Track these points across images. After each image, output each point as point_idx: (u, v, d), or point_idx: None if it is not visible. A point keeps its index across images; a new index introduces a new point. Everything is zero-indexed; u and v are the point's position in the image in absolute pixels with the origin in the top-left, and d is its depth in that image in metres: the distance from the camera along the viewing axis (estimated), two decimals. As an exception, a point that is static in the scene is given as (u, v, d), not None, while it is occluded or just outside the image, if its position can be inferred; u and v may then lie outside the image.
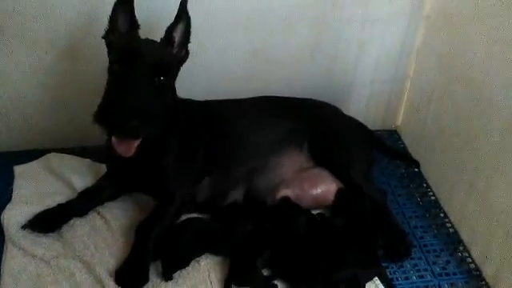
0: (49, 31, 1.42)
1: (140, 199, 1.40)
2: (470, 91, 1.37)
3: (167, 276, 1.19)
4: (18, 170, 1.48)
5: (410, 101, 1.75)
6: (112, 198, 1.40)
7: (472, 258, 1.33)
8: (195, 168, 1.34)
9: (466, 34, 1.38)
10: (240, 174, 1.36)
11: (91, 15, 1.40)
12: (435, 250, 1.35)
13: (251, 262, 1.21)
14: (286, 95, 1.54)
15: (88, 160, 1.53)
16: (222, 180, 1.35)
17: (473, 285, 1.26)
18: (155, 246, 1.22)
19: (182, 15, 1.23)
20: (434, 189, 1.55)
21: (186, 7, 1.23)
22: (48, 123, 1.59)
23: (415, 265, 1.30)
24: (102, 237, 1.29)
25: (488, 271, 1.28)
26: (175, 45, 1.24)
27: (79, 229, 1.31)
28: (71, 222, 1.32)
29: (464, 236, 1.39)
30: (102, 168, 1.44)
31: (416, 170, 1.62)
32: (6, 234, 1.27)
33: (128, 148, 1.13)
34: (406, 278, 1.26)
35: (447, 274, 1.28)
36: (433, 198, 1.53)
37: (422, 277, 1.27)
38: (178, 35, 1.24)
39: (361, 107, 1.76)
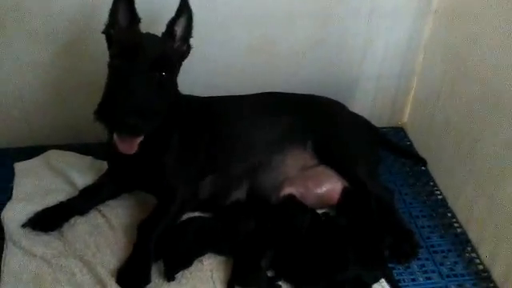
0: (48, 26, 1.40)
1: (142, 197, 1.38)
2: (479, 87, 1.33)
3: (169, 276, 1.17)
4: (18, 167, 1.46)
5: (417, 97, 1.72)
6: (113, 196, 1.38)
7: (480, 259, 1.30)
8: (197, 165, 1.32)
9: (474, 29, 1.35)
10: (242, 172, 1.34)
11: (91, 10, 1.37)
12: (443, 251, 1.32)
13: (255, 262, 1.19)
14: (289, 91, 1.51)
15: (89, 157, 1.51)
16: (224, 178, 1.33)
17: (481, 287, 1.23)
18: (157, 246, 1.20)
19: (184, 9, 1.21)
20: (441, 187, 1.52)
21: (187, 1, 1.21)
22: (48, 119, 1.57)
23: (422, 266, 1.27)
24: (104, 236, 1.28)
25: (497, 272, 1.25)
26: (177, 39, 1.22)
27: (80, 227, 1.29)
28: (72, 220, 1.30)
29: (472, 236, 1.36)
30: (104, 165, 1.42)
31: (423, 168, 1.59)
32: (6, 232, 1.25)
33: (130, 146, 1.11)
34: (413, 280, 1.24)
35: (455, 276, 1.25)
36: (440, 197, 1.50)
37: (429, 278, 1.24)
38: (179, 29, 1.21)
39: (366, 103, 1.73)
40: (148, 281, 1.15)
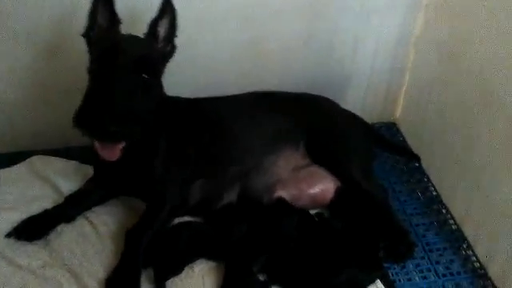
0: (29, 28, 1.36)
1: (130, 203, 1.34)
2: (473, 82, 1.31)
3: (159, 284, 1.13)
4: (1, 174, 1.41)
5: (409, 92, 1.70)
6: (100, 202, 1.33)
7: (477, 257, 1.28)
8: (186, 169, 1.28)
9: (467, 23, 1.32)
10: (233, 175, 1.30)
11: (72, 9, 1.33)
12: (438, 249, 1.30)
13: (247, 267, 1.16)
14: (280, 89, 1.48)
15: (74, 162, 1.46)
16: (214, 181, 1.30)
17: (478, 285, 1.22)
18: (146, 253, 1.16)
19: (167, 8, 1.17)
20: (435, 184, 1.50)
21: (170, 0, 1.16)
22: (31, 124, 1.53)
23: (418, 265, 1.25)
24: (91, 244, 1.23)
25: (494, 270, 1.23)
26: (160, 39, 1.18)
27: (67, 236, 1.25)
28: (58, 228, 1.26)
29: (468, 233, 1.34)
30: (90, 170, 1.38)
31: (416, 164, 1.57)
32: (-11, 242, 1.20)
33: (112, 152, 1.07)
34: (409, 280, 1.22)
35: (451, 274, 1.24)
36: (434, 193, 1.48)
37: (425, 278, 1.23)
38: (162, 29, 1.18)
39: (358, 99, 1.71)
40: (137, 290, 1.11)
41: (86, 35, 1.15)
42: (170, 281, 1.15)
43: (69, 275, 1.15)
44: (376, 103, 1.74)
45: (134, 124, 1.05)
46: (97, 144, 1.07)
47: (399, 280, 1.21)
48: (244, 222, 1.25)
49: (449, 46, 1.41)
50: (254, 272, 1.16)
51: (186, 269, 1.17)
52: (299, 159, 1.35)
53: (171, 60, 1.21)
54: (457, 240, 1.33)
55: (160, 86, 1.21)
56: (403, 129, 1.73)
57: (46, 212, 1.27)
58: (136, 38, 1.15)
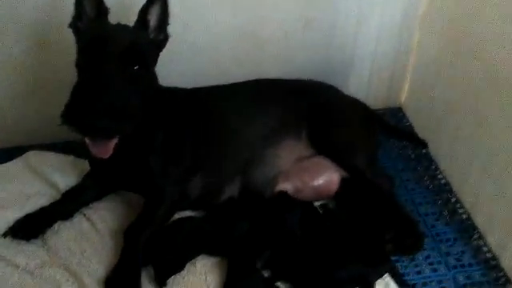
0: (16, 21, 1.30)
1: (129, 198, 1.30)
2: (482, 64, 1.25)
3: (161, 282, 1.10)
4: (-4, 171, 1.38)
5: (415, 76, 1.63)
6: (98, 198, 1.30)
7: (489, 247, 1.24)
8: (185, 163, 1.24)
9: (475, 2, 1.26)
10: (234, 168, 1.26)
11: (61, 2, 1.27)
12: (448, 240, 1.26)
13: (250, 263, 1.12)
14: (280, 76, 1.43)
15: (71, 156, 1.43)
16: (214, 175, 1.26)
17: (490, 277, 1.17)
18: (146, 250, 1.13)
19: None
20: (444, 171, 1.45)
21: (160, -15, 1.11)
22: (25, 119, 1.49)
23: (427, 257, 1.21)
24: (89, 242, 1.20)
25: (507, 261, 1.19)
26: (151, 28, 1.12)
27: (64, 234, 1.21)
28: (56, 226, 1.22)
29: (479, 222, 1.29)
30: (87, 164, 1.33)
31: (424, 151, 1.51)
32: (-16, 243, 1.17)
33: (104, 149, 1.03)
34: (418, 272, 1.17)
35: (462, 266, 1.19)
36: (443, 181, 1.43)
37: (435, 270, 1.18)
38: (153, 17, 1.12)
39: (362, 85, 1.66)
40: (137, 288, 1.08)
41: (73, 26, 1.10)
42: (171, 278, 1.12)
43: (68, 275, 1.12)
44: (380, 88, 1.68)
45: (126, 119, 1.01)
46: (88, 141, 1.03)
47: (408, 273, 1.17)
48: (246, 217, 1.21)
49: (456, 27, 1.35)
50: (257, 268, 1.12)
51: (188, 265, 1.14)
52: (302, 150, 1.31)
53: (164, 49, 1.16)
54: (467, 230, 1.29)
55: (153, 77, 1.16)
56: (409, 114, 1.68)
57: (42, 209, 1.24)
58: (125, 27, 1.09)
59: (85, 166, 1.34)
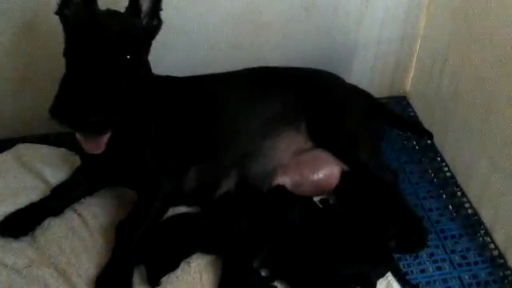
0: (2, 7, 1.25)
1: (121, 193, 1.26)
2: (492, 51, 1.19)
3: (153, 282, 1.06)
4: (-16, 164, 1.34)
5: (421, 63, 1.57)
6: (89, 193, 1.26)
7: (495, 244, 1.19)
8: (179, 156, 1.19)
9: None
10: (230, 161, 1.21)
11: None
12: (453, 236, 1.21)
13: (247, 262, 1.08)
14: (279, 64, 1.37)
15: (63, 149, 1.38)
16: (210, 168, 1.21)
17: (497, 275, 1.13)
18: (139, 248, 1.09)
19: None
20: (449, 164, 1.40)
21: (152, -30, 1.05)
22: (14, 109, 1.44)
23: (432, 254, 1.16)
24: (80, 239, 1.16)
25: (514, 258, 1.15)
26: (143, 14, 1.06)
27: (54, 230, 1.18)
28: (45, 222, 1.19)
29: (485, 218, 1.24)
30: (78, 158, 1.29)
31: (429, 142, 1.46)
32: (-29, 240, 1.14)
33: (96, 145, 0.98)
34: (422, 271, 1.13)
35: (468, 264, 1.15)
36: (448, 174, 1.38)
37: (439, 268, 1.14)
38: (145, 2, 1.06)
39: (365, 72, 1.61)
40: (129, 288, 1.04)
41: (60, 13, 1.04)
42: (165, 277, 1.08)
43: (57, 274, 1.09)
44: (384, 76, 1.63)
45: (119, 112, 0.96)
46: (79, 136, 0.98)
47: (411, 271, 1.13)
48: (243, 213, 1.16)
49: (465, 11, 1.28)
50: (254, 267, 1.08)
51: (182, 264, 1.10)
52: (301, 142, 1.26)
53: (157, 36, 1.10)
54: (473, 225, 1.24)
55: (146, 65, 1.11)
56: (414, 103, 1.62)
57: (31, 205, 1.20)
58: (115, 13, 1.03)
59: (76, 159, 1.30)
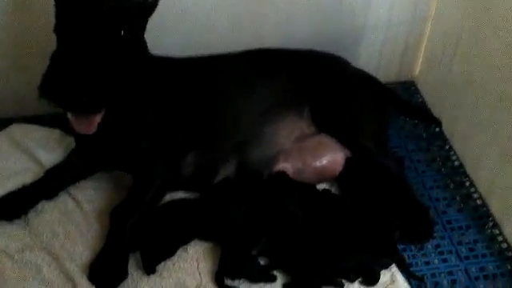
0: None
1: (117, 176, 1.22)
2: (507, 36, 1.13)
3: (149, 269, 1.03)
4: (-24, 145, 1.30)
5: (431, 47, 1.52)
6: (84, 176, 1.23)
7: (504, 236, 1.15)
8: (176, 139, 1.15)
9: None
10: (229, 146, 1.17)
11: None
12: (460, 227, 1.17)
13: (246, 250, 1.05)
14: (282, 46, 1.32)
15: (57, 130, 1.35)
16: (208, 153, 1.17)
17: (505, 269, 1.09)
18: (134, 234, 1.06)
19: None
20: (458, 153, 1.35)
21: None
22: (7, 88, 1.40)
23: (437, 246, 1.12)
24: (74, 223, 1.14)
25: (523, 252, 1.11)
26: None
27: (48, 214, 1.15)
28: (39, 206, 1.16)
29: (494, 209, 1.20)
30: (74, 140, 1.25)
31: (437, 129, 1.41)
32: (-38, 223, 1.11)
33: (88, 125, 0.95)
34: (427, 263, 1.09)
35: (475, 257, 1.11)
36: (457, 163, 1.33)
37: (445, 260, 1.10)
38: None
39: (372, 56, 1.55)
40: (124, 276, 1.02)
41: (52, -13, 0.99)
42: (161, 265, 1.05)
43: (49, 259, 1.06)
44: (392, 60, 1.57)
45: (111, 91, 0.92)
46: (70, 116, 0.95)
47: (416, 263, 1.09)
48: (243, 200, 1.12)
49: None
50: (253, 255, 1.04)
51: (179, 251, 1.08)
52: (304, 127, 1.21)
53: (154, 14, 1.05)
54: (481, 217, 1.19)
55: (142, 44, 1.07)
56: (423, 88, 1.57)
57: (24, 188, 1.17)
58: (110, -12, 0.98)
59: (71, 141, 1.27)
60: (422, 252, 1.11)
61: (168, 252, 1.06)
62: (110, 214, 1.09)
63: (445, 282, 1.06)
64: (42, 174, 1.20)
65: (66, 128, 1.29)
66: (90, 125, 0.95)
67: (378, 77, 1.37)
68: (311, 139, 1.19)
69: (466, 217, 1.19)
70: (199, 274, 1.05)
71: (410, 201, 1.14)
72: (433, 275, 1.07)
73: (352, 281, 1.02)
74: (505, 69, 1.15)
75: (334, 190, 1.20)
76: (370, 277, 1.03)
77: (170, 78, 1.17)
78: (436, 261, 1.10)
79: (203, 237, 1.10)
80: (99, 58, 0.90)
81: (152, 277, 1.03)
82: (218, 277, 1.02)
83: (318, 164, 1.18)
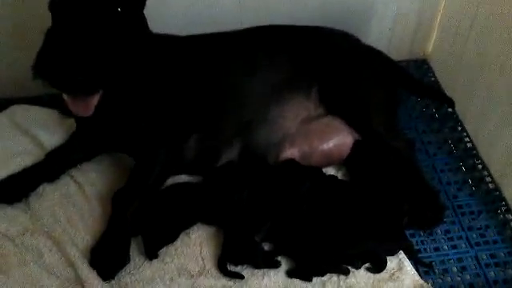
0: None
1: (120, 159, 1.20)
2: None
3: (151, 254, 1.02)
4: (-23, 127, 1.28)
5: (445, 23, 1.44)
6: (86, 159, 1.21)
7: (517, 222, 1.11)
8: (179, 121, 1.12)
9: None
10: (234, 128, 1.13)
11: None
12: (472, 212, 1.13)
13: (249, 236, 1.02)
14: (289, 22, 1.26)
15: (59, 111, 1.32)
16: (211, 136, 1.13)
17: (517, 256, 1.05)
18: (137, 218, 1.05)
19: None
20: (471, 134, 1.30)
21: None
22: (11, 69, 1.37)
23: (447, 231, 1.09)
24: (76, 207, 1.12)
25: (537, 239, 1.07)
26: None
27: (49, 197, 1.14)
28: (40, 188, 1.14)
29: (507, 194, 1.15)
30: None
31: (450, 110, 1.35)
32: (-37, 206, 1.10)
33: (84, 107, 0.92)
34: (437, 249, 1.06)
35: (486, 243, 1.07)
36: (469, 145, 1.28)
37: (455, 247, 1.06)
38: None
39: (383, 33, 1.50)
40: (126, 261, 1.01)
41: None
42: (163, 249, 1.04)
43: (50, 243, 1.05)
44: (404, 36, 1.51)
45: (108, 71, 0.89)
46: (66, 97, 0.91)
47: (425, 249, 1.06)
48: (246, 184, 1.09)
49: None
50: (257, 241, 1.02)
51: (182, 235, 1.06)
52: (311, 109, 1.17)
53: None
54: (493, 201, 1.15)
55: (141, 21, 1.02)
56: (436, 67, 1.50)
57: (25, 170, 1.15)
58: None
59: (72, 123, 1.24)
60: (432, 237, 1.07)
61: (170, 237, 1.05)
62: (111, 198, 1.07)
63: (454, 269, 1.03)
64: (42, 156, 1.18)
65: (65, 110, 1.27)
66: (87, 107, 0.91)
67: (389, 54, 1.31)
68: (318, 121, 1.15)
69: (478, 201, 1.15)
70: (202, 259, 1.03)
71: (420, 184, 1.10)
72: (442, 262, 1.04)
73: (357, 267, 0.99)
74: (523, 46, 1.09)
75: (341, 173, 1.16)
76: (377, 263, 1.00)
77: (171, 57, 1.13)
78: (445, 247, 1.06)
79: (206, 221, 1.08)
80: (95, 36, 0.87)
81: (154, 262, 1.02)
82: (221, 262, 1.01)
83: (325, 147, 1.14)
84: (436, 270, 1.02)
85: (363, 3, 1.42)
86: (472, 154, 1.26)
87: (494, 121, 1.20)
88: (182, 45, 1.15)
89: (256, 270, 1.00)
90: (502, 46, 1.16)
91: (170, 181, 1.14)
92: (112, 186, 1.13)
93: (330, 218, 1.04)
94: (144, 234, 1.04)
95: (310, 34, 1.23)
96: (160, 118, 1.10)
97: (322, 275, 0.99)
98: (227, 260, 1.01)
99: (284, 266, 1.00)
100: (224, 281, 0.99)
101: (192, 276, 1.00)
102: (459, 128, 1.32)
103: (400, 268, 1.00)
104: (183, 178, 1.16)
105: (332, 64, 1.18)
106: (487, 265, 1.04)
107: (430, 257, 1.04)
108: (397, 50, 1.48)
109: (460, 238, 1.08)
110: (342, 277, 0.99)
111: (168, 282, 0.99)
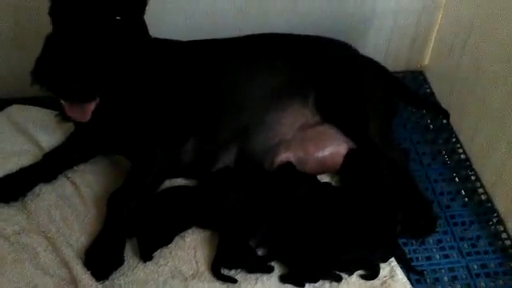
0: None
1: (117, 161, 1.21)
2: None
3: (146, 256, 1.02)
4: (-25, 126, 1.29)
5: (442, 36, 1.47)
6: (84, 160, 1.21)
7: (508, 233, 1.12)
8: (177, 125, 1.13)
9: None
10: (230, 133, 1.15)
11: None
12: (464, 223, 1.14)
13: (243, 240, 1.03)
14: (286, 31, 1.28)
15: (57, 113, 1.31)
16: (208, 140, 1.15)
17: (508, 267, 1.06)
18: (132, 220, 1.05)
19: None
20: (465, 146, 1.32)
21: None
22: (9, 69, 1.38)
23: (439, 241, 1.10)
24: (72, 208, 1.12)
25: (527, 250, 1.08)
26: None
27: (45, 198, 1.14)
28: (37, 189, 1.15)
29: (499, 205, 1.17)
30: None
31: (444, 121, 1.37)
32: (-41, 205, 1.10)
33: (81, 113, 0.94)
34: (428, 258, 1.07)
35: (477, 253, 1.08)
36: (463, 156, 1.29)
37: (446, 256, 1.07)
38: None
39: (380, 43, 1.52)
40: (120, 262, 1.01)
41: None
42: (157, 252, 1.04)
43: (46, 243, 1.06)
44: (401, 48, 1.53)
45: (106, 78, 0.90)
46: (63, 103, 0.93)
47: (417, 258, 1.07)
48: (241, 188, 1.10)
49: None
50: (250, 245, 1.03)
51: (177, 238, 1.06)
52: (308, 116, 1.19)
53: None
54: (485, 212, 1.17)
55: (141, 27, 1.04)
56: (432, 78, 1.53)
57: (22, 170, 1.16)
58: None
59: (71, 124, 1.24)
60: (424, 247, 1.09)
61: (165, 239, 1.05)
62: (107, 199, 1.07)
63: (445, 278, 1.04)
64: (40, 157, 1.19)
65: (63, 114, 1.28)
66: (84, 113, 0.93)
67: (385, 65, 1.33)
68: (314, 129, 1.17)
69: (470, 212, 1.17)
70: (196, 262, 1.04)
71: (414, 194, 1.11)
72: (433, 271, 1.05)
73: (350, 274, 1.00)
74: (517, 61, 1.11)
75: (335, 182, 1.17)
76: (370, 270, 1.01)
77: (170, 61, 1.14)
78: (437, 256, 1.07)
79: (201, 225, 1.09)
80: (94, 45, 0.88)
81: (148, 264, 1.02)
82: (215, 266, 1.01)
83: (320, 154, 1.15)
84: (427, 279, 1.03)
85: (361, 15, 1.44)
86: (465, 165, 1.28)
87: (487, 133, 1.22)
88: (181, 50, 1.17)
89: (249, 275, 1.00)
90: (496, 60, 1.19)
91: (167, 184, 1.15)
92: (108, 187, 1.13)
93: (324, 225, 1.05)
94: (139, 235, 1.04)
95: (309, 43, 1.25)
96: (158, 120, 1.12)
97: (315, 281, 0.99)
98: (221, 264, 1.01)
99: (277, 271, 1.01)
100: (217, 284, 0.99)
101: (185, 279, 1.01)
102: (453, 139, 1.34)
103: (392, 276, 1.01)
104: (179, 182, 1.17)
105: (329, 73, 1.20)
106: (478, 275, 1.05)
107: (421, 266, 1.06)
108: (393, 62, 1.50)
109: (452, 247, 1.09)
110: (335, 284, 0.99)
111: (161, 285, 1.00)
